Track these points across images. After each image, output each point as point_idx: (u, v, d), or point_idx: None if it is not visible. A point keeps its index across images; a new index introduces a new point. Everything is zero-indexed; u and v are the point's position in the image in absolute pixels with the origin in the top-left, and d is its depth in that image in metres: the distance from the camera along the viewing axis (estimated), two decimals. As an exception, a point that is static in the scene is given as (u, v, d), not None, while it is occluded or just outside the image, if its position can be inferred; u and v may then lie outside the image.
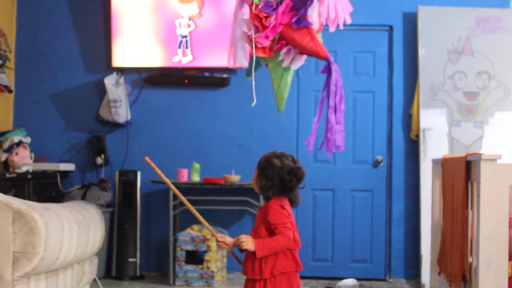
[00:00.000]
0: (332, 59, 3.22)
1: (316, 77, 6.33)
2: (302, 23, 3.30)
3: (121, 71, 6.38)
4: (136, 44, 6.29)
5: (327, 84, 3.24)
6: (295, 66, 3.38)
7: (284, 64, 3.39)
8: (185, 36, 6.23)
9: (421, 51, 6.11)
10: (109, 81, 6.26)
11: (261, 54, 3.47)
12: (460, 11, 6.12)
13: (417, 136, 6.13)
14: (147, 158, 3.28)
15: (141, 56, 6.30)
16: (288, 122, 6.32)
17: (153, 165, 3.28)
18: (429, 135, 6.05)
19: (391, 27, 6.34)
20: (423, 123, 6.06)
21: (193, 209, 3.38)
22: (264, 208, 3.17)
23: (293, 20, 3.31)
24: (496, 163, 3.70)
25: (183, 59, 6.24)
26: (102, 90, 6.36)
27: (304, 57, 3.38)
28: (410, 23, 6.27)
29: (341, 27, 3.38)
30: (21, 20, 6.51)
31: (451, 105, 6.09)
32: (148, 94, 6.44)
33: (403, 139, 6.27)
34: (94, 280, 3.92)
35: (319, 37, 3.38)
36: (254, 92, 3.61)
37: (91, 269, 3.73)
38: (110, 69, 6.38)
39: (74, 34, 6.49)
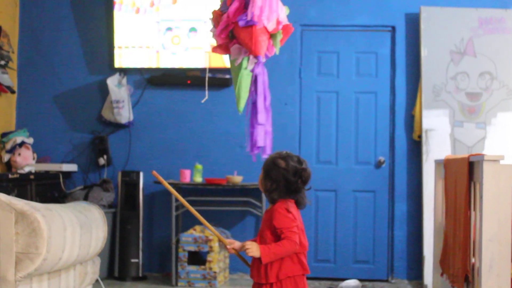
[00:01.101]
0: (260, 59, 3.16)
1: (318, 77, 6.33)
2: (248, 22, 3.25)
3: (124, 71, 6.39)
4: (138, 45, 6.30)
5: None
6: (250, 66, 3.33)
7: (236, 63, 3.35)
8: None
9: (424, 52, 6.11)
10: (112, 81, 6.27)
11: (218, 52, 3.44)
12: (463, 12, 6.12)
13: (420, 137, 6.13)
14: (155, 172, 3.26)
15: (143, 57, 6.31)
16: (290, 122, 6.32)
17: (161, 178, 3.26)
18: (431, 136, 6.05)
19: (393, 28, 6.33)
20: (425, 124, 6.06)
21: (202, 219, 3.34)
22: (269, 211, 3.13)
23: (238, 18, 3.27)
24: (498, 164, 3.69)
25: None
26: (104, 91, 6.37)
27: (262, 58, 3.33)
28: (413, 24, 6.27)
29: (267, 27, 3.27)
30: (24, 21, 6.52)
31: (454, 106, 6.09)
32: (151, 94, 6.44)
33: (405, 140, 6.27)
34: (97, 280, 3.92)
35: (276, 37, 3.32)
36: (206, 87, 3.60)
37: (93, 270, 3.73)
38: (113, 70, 6.38)
39: (77, 35, 6.50)
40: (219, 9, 3.41)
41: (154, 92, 6.44)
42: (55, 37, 6.52)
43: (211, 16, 3.45)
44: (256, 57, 3.19)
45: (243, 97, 3.34)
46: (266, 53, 3.31)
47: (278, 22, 3.28)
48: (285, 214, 3.06)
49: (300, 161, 3.15)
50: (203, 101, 3.68)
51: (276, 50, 3.32)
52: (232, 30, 3.30)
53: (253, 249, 3.03)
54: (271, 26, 3.25)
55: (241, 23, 3.17)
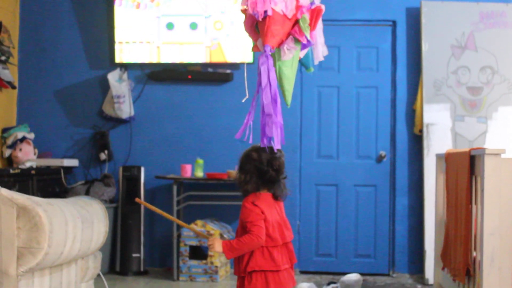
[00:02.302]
0: (267, 49, 3.13)
1: (320, 72, 6.32)
2: (256, 14, 3.24)
3: (124, 67, 6.39)
4: (139, 40, 6.29)
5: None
6: (285, 57, 3.29)
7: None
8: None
9: (425, 46, 6.10)
10: (113, 77, 6.27)
11: (256, 50, 3.42)
12: (464, 6, 6.11)
13: (421, 131, 6.13)
14: (138, 199, 3.39)
15: (144, 52, 6.30)
16: (291, 117, 6.31)
17: (144, 203, 3.38)
18: (432, 130, 6.05)
19: (394, 22, 6.33)
20: (426, 118, 6.05)
21: (188, 226, 3.42)
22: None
23: (253, 12, 3.26)
24: (500, 158, 3.69)
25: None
26: (105, 86, 6.37)
27: (293, 47, 3.28)
28: (414, 18, 6.26)
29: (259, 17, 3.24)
30: (24, 16, 6.51)
31: (455, 100, 6.08)
32: (152, 89, 6.44)
33: (406, 134, 6.27)
34: (98, 275, 3.92)
35: (301, 24, 3.27)
36: (246, 85, 3.56)
37: (95, 265, 3.73)
38: (114, 65, 6.38)
39: (77, 30, 6.50)
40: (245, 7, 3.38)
41: (155, 87, 6.44)
42: (56, 32, 6.52)
43: (243, 16, 3.43)
44: (264, 46, 3.15)
45: (287, 89, 3.29)
46: (301, 40, 3.24)
47: (298, 7, 3.23)
48: (251, 208, 3.08)
49: (272, 151, 3.16)
50: (243, 101, 3.61)
51: (306, 35, 3.25)
52: (257, 24, 3.28)
53: (214, 244, 3.07)
54: (290, 13, 3.20)
55: (256, 16, 3.16)
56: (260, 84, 3.11)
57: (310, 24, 3.26)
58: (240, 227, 3.15)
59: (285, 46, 3.23)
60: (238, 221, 3.21)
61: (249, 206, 3.09)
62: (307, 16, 3.24)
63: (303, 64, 3.63)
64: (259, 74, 3.11)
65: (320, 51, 3.47)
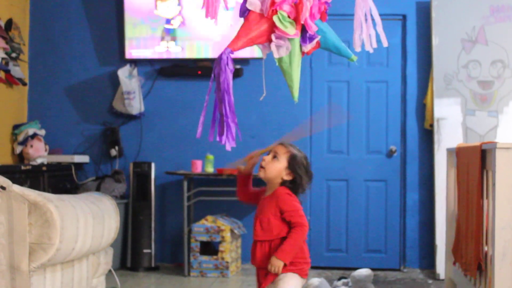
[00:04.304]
0: (226, 51, 3.10)
1: (329, 67, 6.31)
2: (245, 13, 3.26)
3: (134, 63, 6.40)
4: (149, 36, 6.30)
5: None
6: (278, 54, 3.27)
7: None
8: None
9: (435, 41, 6.08)
10: (123, 73, 6.28)
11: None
12: (474, 0, 6.07)
13: (431, 125, 6.11)
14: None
15: (154, 48, 6.31)
16: (301, 112, 6.31)
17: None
18: (443, 124, 6.02)
19: (404, 17, 6.30)
20: (437, 113, 6.03)
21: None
22: (271, 197, 3.25)
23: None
24: (511, 152, 3.67)
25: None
26: (115, 82, 6.38)
27: (282, 43, 3.25)
28: (424, 12, 6.23)
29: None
30: (34, 13, 6.53)
31: (465, 95, 6.06)
32: (161, 85, 6.45)
33: (417, 128, 6.25)
34: (110, 271, 3.93)
35: (276, 21, 3.23)
36: (264, 83, 3.56)
37: (106, 260, 3.74)
38: (123, 61, 6.39)
39: (87, 26, 6.51)
40: None
41: (165, 83, 6.45)
42: (66, 29, 6.54)
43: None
44: (225, 48, 3.13)
45: (290, 85, 3.28)
46: (285, 36, 3.22)
47: (273, 3, 3.19)
48: (294, 198, 3.26)
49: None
50: (261, 99, 3.62)
51: (287, 31, 3.21)
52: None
53: (275, 264, 3.10)
54: (266, 11, 3.18)
55: (240, 15, 3.18)
56: (212, 81, 3.18)
57: (295, 18, 3.21)
58: (273, 215, 3.19)
59: (272, 44, 3.20)
60: (263, 214, 3.23)
61: (291, 196, 3.27)
62: (286, 11, 3.19)
63: (341, 55, 3.59)
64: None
65: (358, 38, 3.44)
